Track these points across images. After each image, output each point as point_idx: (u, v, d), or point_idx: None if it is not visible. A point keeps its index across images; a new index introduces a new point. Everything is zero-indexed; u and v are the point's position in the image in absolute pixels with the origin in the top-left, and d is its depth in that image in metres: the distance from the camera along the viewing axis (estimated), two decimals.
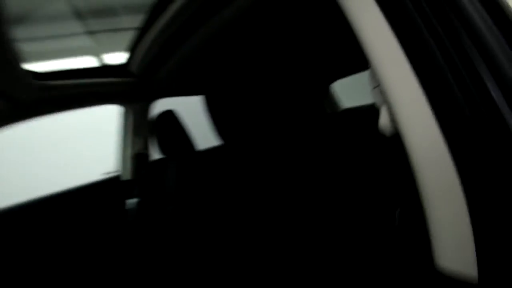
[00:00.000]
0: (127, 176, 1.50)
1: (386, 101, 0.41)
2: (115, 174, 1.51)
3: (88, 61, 3.20)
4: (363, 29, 0.42)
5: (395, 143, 0.54)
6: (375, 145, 0.53)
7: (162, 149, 1.37)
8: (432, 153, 0.35)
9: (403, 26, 0.39)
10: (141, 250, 1.35)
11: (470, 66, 0.35)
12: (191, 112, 1.59)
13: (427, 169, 0.36)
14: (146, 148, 1.53)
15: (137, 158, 1.51)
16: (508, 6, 0.38)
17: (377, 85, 0.47)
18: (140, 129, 1.53)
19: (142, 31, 1.00)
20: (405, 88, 0.39)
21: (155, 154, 1.51)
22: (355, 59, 1.60)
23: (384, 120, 0.46)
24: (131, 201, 1.41)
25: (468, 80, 0.34)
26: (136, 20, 1.05)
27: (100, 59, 3.27)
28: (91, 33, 2.96)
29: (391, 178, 0.52)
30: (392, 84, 0.40)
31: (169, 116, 1.36)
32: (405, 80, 0.39)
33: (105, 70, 1.31)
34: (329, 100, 2.12)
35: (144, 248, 1.34)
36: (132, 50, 1.13)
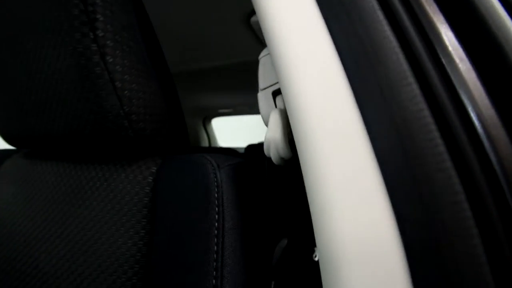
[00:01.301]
0: None
1: (286, 104, 0.25)
2: None
3: None
4: None
5: (283, 172, 0.40)
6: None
7: None
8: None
9: None
10: None
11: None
12: None
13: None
14: None
15: None
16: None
17: (273, 83, 0.32)
18: None
19: None
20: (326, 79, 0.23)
21: None
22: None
23: (273, 134, 0.29)
24: None
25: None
26: None
27: None
28: None
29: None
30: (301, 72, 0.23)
31: None
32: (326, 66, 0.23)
33: None
34: (209, 134, 1.99)
35: None
36: None
